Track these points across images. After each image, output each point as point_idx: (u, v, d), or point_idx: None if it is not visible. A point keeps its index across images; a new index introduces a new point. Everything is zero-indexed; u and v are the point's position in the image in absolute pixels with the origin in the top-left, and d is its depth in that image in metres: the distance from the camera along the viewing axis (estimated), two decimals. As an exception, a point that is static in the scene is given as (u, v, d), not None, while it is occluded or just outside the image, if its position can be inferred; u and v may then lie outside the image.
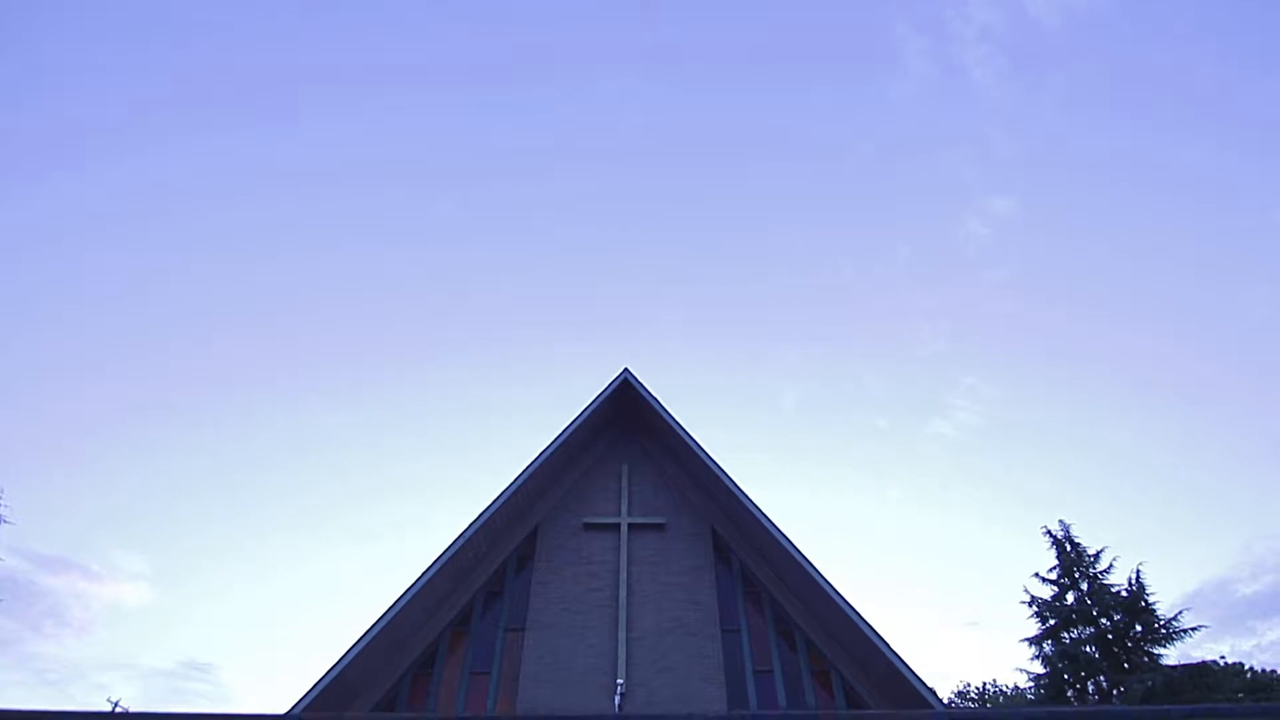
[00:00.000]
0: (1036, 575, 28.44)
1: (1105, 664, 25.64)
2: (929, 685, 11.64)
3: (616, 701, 12.31)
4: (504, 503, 14.12)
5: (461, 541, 13.50)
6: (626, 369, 16.11)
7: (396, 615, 12.54)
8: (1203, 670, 24.16)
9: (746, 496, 14.03)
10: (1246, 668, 35.77)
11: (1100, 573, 27.65)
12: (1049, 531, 29.09)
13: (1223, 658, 36.07)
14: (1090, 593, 27.07)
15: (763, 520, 13.69)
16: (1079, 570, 27.87)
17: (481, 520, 13.78)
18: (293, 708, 11.35)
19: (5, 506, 28.18)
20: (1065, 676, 26.47)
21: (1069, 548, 28.53)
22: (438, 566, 13.15)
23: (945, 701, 12.00)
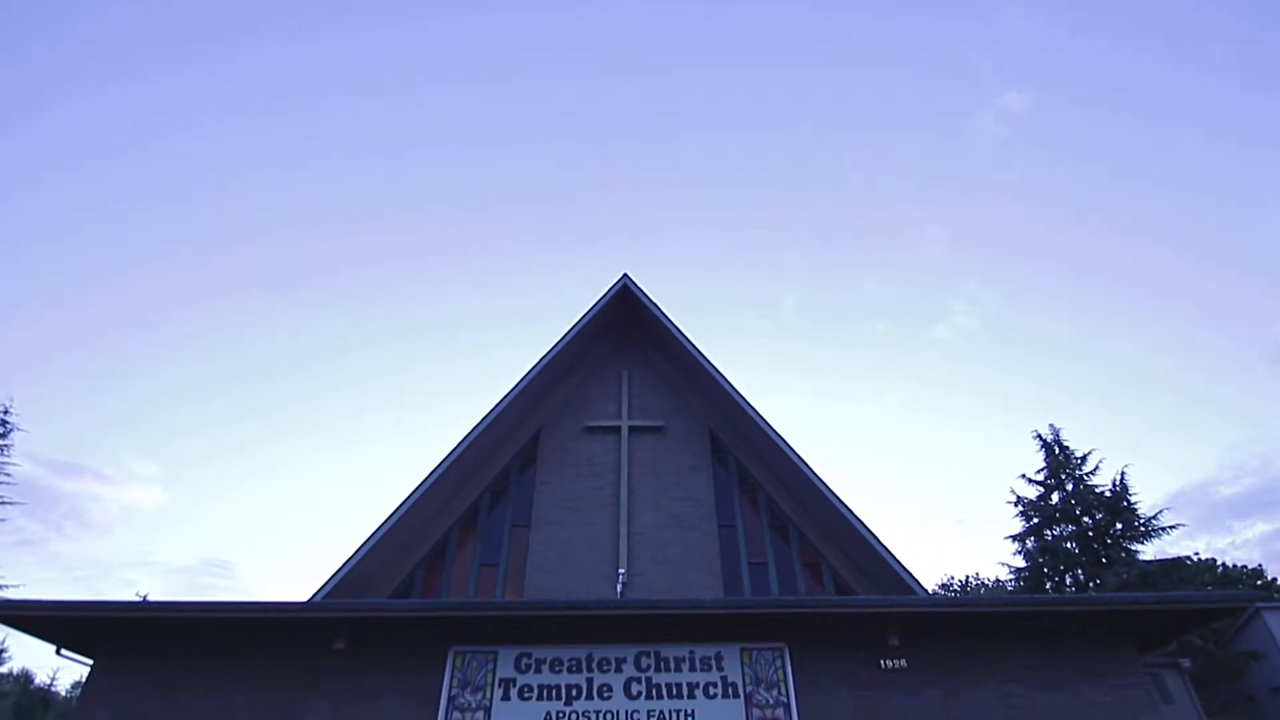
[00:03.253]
0: (1024, 476, 29.43)
1: (1084, 559, 26.89)
2: (915, 576, 12.30)
3: (618, 589, 13.03)
4: (507, 406, 14.43)
5: (467, 443, 13.90)
6: (625, 274, 16.07)
7: (408, 511, 13.08)
8: (1176, 565, 25.36)
9: (743, 398, 14.32)
10: (1219, 563, 37.44)
11: (1086, 474, 28.54)
12: (1039, 435, 29.84)
13: (1197, 554, 37.65)
14: (1075, 493, 28.04)
15: (759, 421, 14.04)
16: (1065, 472, 28.77)
17: (486, 422, 14.13)
18: (313, 596, 12.05)
19: (17, 414, 28.76)
20: (1045, 570, 27.82)
21: (1057, 450, 29.34)
22: (445, 466, 13.60)
23: (929, 592, 12.70)
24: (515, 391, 14.55)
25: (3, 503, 27.65)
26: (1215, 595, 9.61)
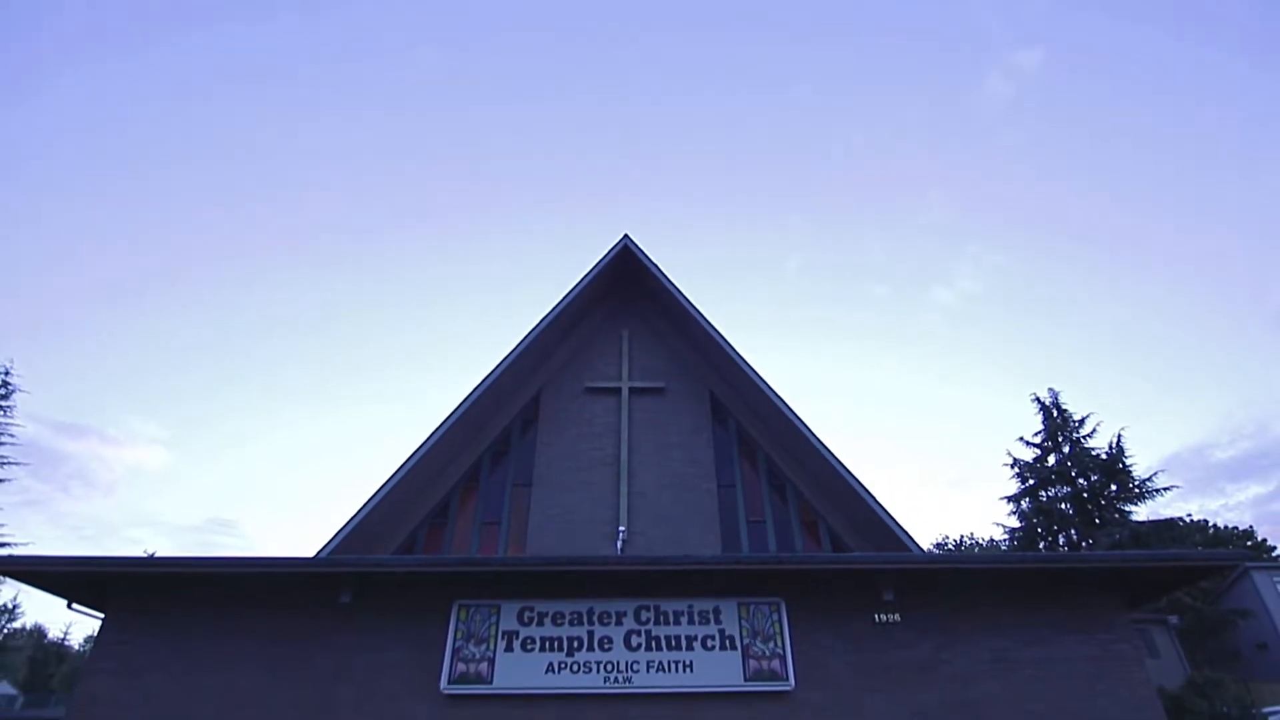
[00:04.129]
0: (1021, 439, 29.68)
1: (1078, 519, 27.24)
2: (909, 534, 12.48)
3: (619, 547, 13.25)
4: (508, 367, 14.48)
5: (468, 404, 13.98)
6: (626, 235, 15.96)
7: (410, 470, 13.21)
8: (1168, 526, 25.72)
9: (743, 360, 14.36)
10: (1210, 524, 37.94)
11: (1083, 437, 28.76)
12: (1037, 398, 29.99)
13: (1189, 515, 38.14)
14: (1071, 455, 28.28)
15: (758, 382, 14.10)
16: (1063, 434, 28.99)
17: (487, 383, 14.19)
18: (318, 552, 12.25)
19: (18, 376, 28.86)
20: (1039, 530, 28.22)
21: (1055, 413, 29.52)
22: (447, 427, 13.70)
23: (924, 550, 12.90)
24: (516, 352, 14.58)
25: (7, 463, 27.93)
26: (1205, 554, 9.79)
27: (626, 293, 17.06)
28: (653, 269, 15.70)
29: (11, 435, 28.16)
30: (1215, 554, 9.82)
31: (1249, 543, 37.43)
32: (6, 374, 28.51)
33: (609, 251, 15.91)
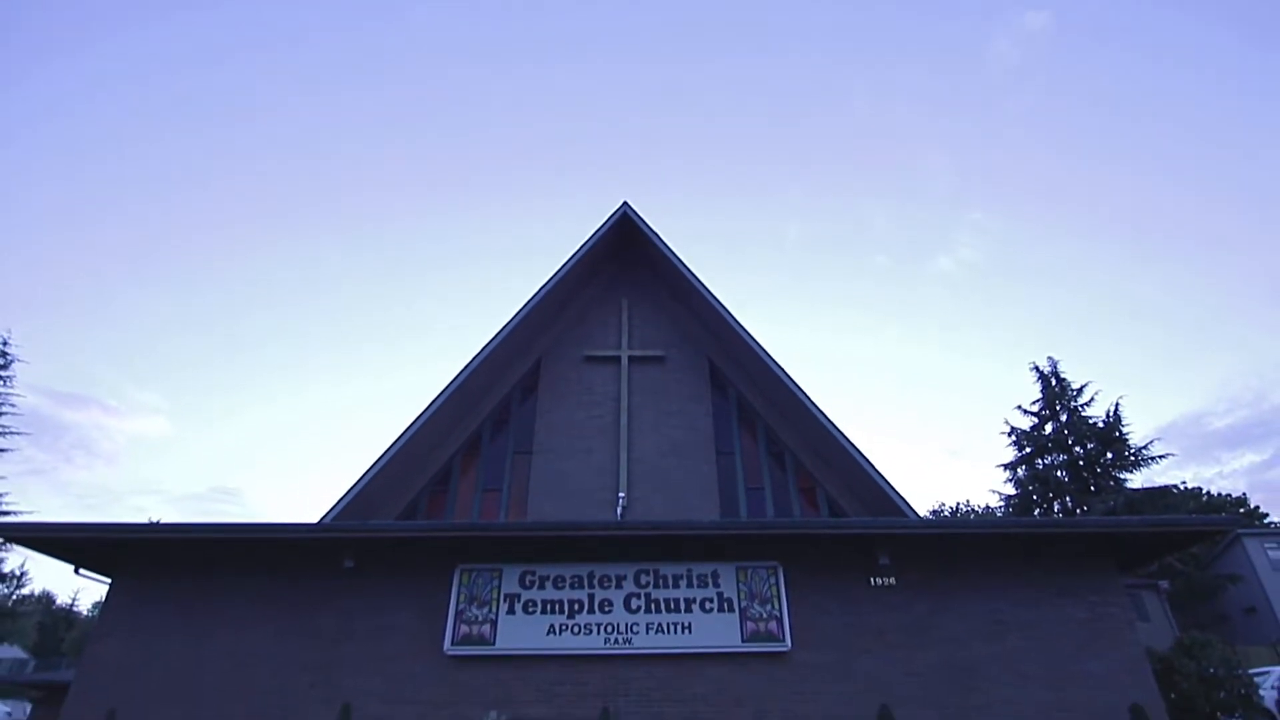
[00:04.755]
0: (1019, 408, 29.83)
1: (1073, 487, 27.49)
2: (905, 499, 12.61)
3: (618, 513, 13.38)
4: (507, 335, 14.47)
5: (466, 373, 13.99)
6: (625, 202, 15.83)
7: (412, 438, 13.28)
8: (1162, 493, 25.97)
9: (742, 328, 14.35)
10: (1204, 492, 38.28)
11: (1081, 405, 28.88)
12: (1036, 367, 30.06)
13: (1183, 483, 38.41)
14: (1068, 424, 28.43)
15: (757, 350, 14.11)
16: (1060, 403, 29.11)
17: (486, 351, 14.20)
18: (322, 519, 12.38)
19: (17, 346, 28.83)
20: (1034, 497, 28.49)
21: (1054, 382, 29.61)
22: (447, 395, 13.73)
23: (920, 516, 13.02)
24: (515, 321, 14.56)
25: (8, 433, 28.05)
26: (1196, 519, 9.90)
27: (626, 261, 16.97)
28: (652, 237, 15.60)
29: (12, 405, 28.25)
30: (1206, 519, 9.93)
31: (1241, 510, 37.83)
32: (5, 344, 28.49)
33: (608, 219, 15.79)
